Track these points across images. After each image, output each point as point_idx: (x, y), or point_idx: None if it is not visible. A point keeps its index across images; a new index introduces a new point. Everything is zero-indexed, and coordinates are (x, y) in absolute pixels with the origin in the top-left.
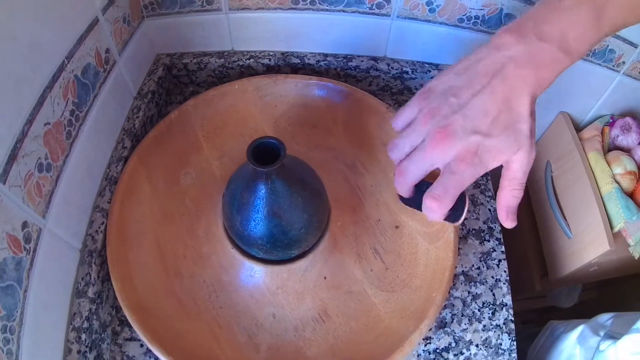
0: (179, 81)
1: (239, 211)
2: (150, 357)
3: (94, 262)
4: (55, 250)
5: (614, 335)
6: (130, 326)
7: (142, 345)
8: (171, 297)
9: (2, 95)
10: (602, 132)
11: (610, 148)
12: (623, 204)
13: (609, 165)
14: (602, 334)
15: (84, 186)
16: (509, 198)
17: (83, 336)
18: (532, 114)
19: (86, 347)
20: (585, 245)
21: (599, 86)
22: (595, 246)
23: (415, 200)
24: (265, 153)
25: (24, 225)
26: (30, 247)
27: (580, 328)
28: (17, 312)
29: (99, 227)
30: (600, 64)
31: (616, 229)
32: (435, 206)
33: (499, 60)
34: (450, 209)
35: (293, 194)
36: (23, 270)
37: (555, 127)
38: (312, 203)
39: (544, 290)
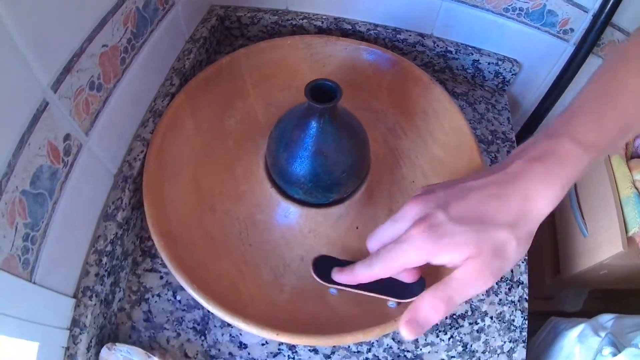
0: (230, 33)
1: (286, 148)
2: (168, 290)
3: (128, 188)
4: (91, 169)
5: (614, 340)
6: (152, 257)
7: (161, 278)
8: (201, 230)
9: (69, 9)
10: (627, 141)
11: (632, 156)
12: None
13: (630, 171)
14: (602, 334)
15: (128, 113)
16: (426, 307)
17: (104, 259)
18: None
19: (105, 271)
20: (600, 245)
21: None
22: (609, 246)
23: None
24: (320, 95)
25: (66, 137)
26: (68, 161)
27: (581, 327)
28: (42, 222)
29: (137, 155)
30: None
31: (630, 233)
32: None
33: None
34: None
35: (341, 137)
36: (57, 181)
37: None
38: (357, 150)
39: (554, 291)
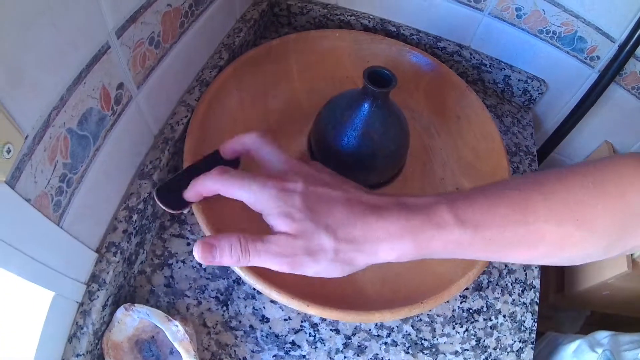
0: (277, 20)
1: (335, 126)
2: (193, 258)
3: (167, 150)
4: (135, 124)
5: (611, 357)
6: (180, 223)
7: (188, 244)
8: (235, 201)
9: None
10: None
11: None
12: None
13: None
14: (598, 350)
15: (178, 77)
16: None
17: (134, 217)
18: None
19: (134, 229)
20: (605, 264)
21: None
22: (615, 266)
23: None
24: (375, 81)
25: (120, 86)
26: (117, 110)
27: (578, 342)
28: (81, 167)
29: (181, 120)
30: None
31: (636, 256)
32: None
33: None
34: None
35: (389, 124)
36: (103, 128)
37: (598, 153)
38: (400, 138)
39: (555, 306)
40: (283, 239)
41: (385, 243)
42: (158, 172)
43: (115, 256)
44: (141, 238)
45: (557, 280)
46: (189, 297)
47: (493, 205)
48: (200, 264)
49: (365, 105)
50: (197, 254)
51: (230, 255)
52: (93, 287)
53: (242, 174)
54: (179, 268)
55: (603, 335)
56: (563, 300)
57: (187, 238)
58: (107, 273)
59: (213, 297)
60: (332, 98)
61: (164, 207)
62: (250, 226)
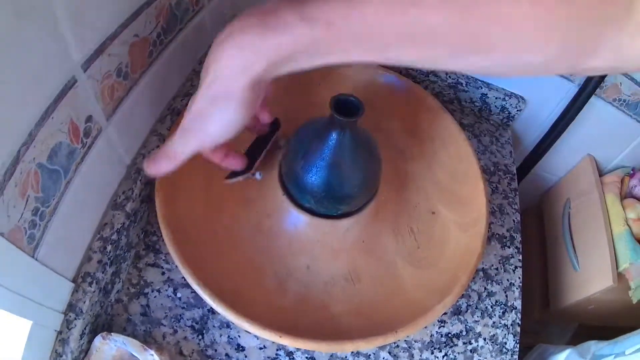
0: None
1: (304, 156)
2: (169, 287)
3: (140, 180)
4: (106, 156)
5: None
6: (155, 252)
7: (163, 274)
8: (209, 230)
9: None
10: (622, 181)
11: (626, 195)
12: (631, 246)
13: (623, 209)
14: (588, 358)
15: (148, 107)
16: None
17: (108, 248)
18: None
19: (108, 259)
20: (590, 279)
21: (627, 137)
22: (599, 281)
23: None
24: (343, 109)
25: (88, 119)
26: (86, 142)
27: (567, 352)
28: (53, 200)
29: (153, 149)
30: (631, 116)
31: (621, 269)
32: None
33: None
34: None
35: (358, 152)
36: (73, 161)
37: (580, 167)
38: (370, 166)
39: (542, 321)
40: None
41: (231, 60)
42: (131, 202)
43: (90, 286)
44: (116, 268)
45: (541, 296)
46: (165, 325)
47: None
48: (175, 293)
49: (333, 135)
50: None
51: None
52: (70, 316)
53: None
54: (155, 297)
55: (592, 343)
56: (548, 316)
57: (162, 267)
58: (84, 302)
59: (189, 326)
60: (300, 127)
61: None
62: (216, 255)
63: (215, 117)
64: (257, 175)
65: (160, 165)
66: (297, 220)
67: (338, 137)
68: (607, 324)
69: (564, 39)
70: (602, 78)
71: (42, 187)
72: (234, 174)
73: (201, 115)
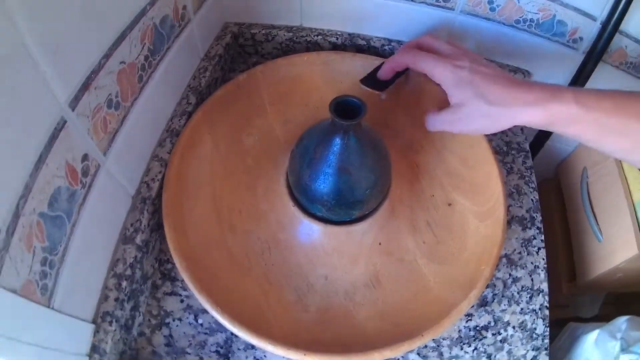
0: (244, 50)
1: (309, 165)
2: (189, 314)
3: (146, 210)
4: (109, 191)
5: (628, 343)
6: (172, 280)
7: (182, 301)
8: (223, 250)
9: (87, 24)
10: None
11: None
12: None
13: None
14: (618, 336)
15: (145, 133)
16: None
17: (124, 284)
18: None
19: (125, 295)
20: (615, 249)
21: None
22: (624, 250)
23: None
24: (344, 112)
25: (84, 157)
26: (86, 182)
27: (597, 331)
28: (60, 246)
29: (156, 176)
30: (639, 77)
31: None
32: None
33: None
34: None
35: (365, 154)
36: (75, 203)
37: None
38: (380, 166)
39: (569, 298)
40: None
41: (523, 107)
42: (140, 234)
43: (111, 325)
44: (135, 302)
45: (568, 270)
46: (190, 354)
47: (618, 101)
48: (196, 320)
49: (337, 140)
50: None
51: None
52: (95, 358)
53: (423, 52)
54: (177, 326)
55: (621, 321)
56: (576, 289)
57: (180, 295)
58: (106, 342)
59: (214, 352)
60: (304, 133)
61: (368, 89)
62: (233, 276)
63: (476, 126)
64: (382, 95)
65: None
66: (311, 230)
67: (342, 141)
68: (636, 290)
69: None
70: (608, 43)
71: (47, 236)
72: (369, 81)
73: (470, 118)
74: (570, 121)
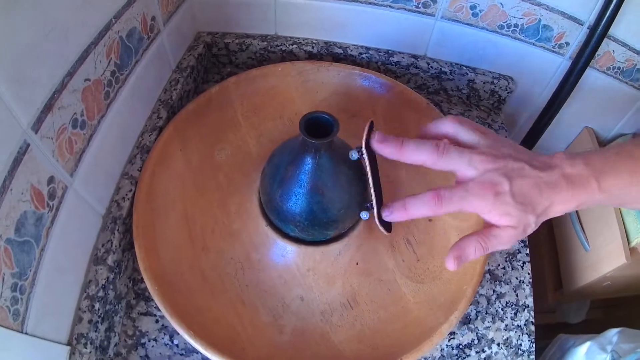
0: (217, 60)
1: (280, 185)
2: (164, 334)
3: (117, 230)
4: (78, 212)
5: (619, 355)
6: (146, 300)
7: (157, 321)
8: (195, 271)
9: (50, 43)
10: None
11: None
12: None
13: None
14: (609, 349)
15: (115, 151)
16: (472, 249)
17: (97, 305)
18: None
19: (99, 317)
20: (602, 258)
21: (624, 104)
22: (612, 259)
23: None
24: (315, 128)
25: (50, 180)
26: (53, 205)
27: (588, 344)
28: (30, 271)
29: (126, 195)
30: (627, 83)
31: (633, 244)
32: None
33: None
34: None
35: (338, 173)
36: (43, 227)
37: (580, 140)
38: (354, 184)
39: (556, 304)
40: (510, 232)
41: (559, 207)
42: (112, 255)
43: (86, 347)
44: (109, 323)
45: (553, 280)
46: None
47: (634, 182)
48: (171, 340)
49: (308, 159)
50: (454, 267)
51: (475, 254)
52: None
53: (453, 191)
54: (152, 347)
55: (612, 333)
56: (563, 298)
57: (155, 315)
58: None
59: None
60: (275, 151)
61: (385, 232)
62: (206, 297)
63: (524, 235)
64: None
65: (472, 256)
66: (284, 250)
67: (313, 160)
68: (622, 295)
69: None
70: (596, 48)
71: (15, 262)
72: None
73: (524, 233)
74: (592, 202)
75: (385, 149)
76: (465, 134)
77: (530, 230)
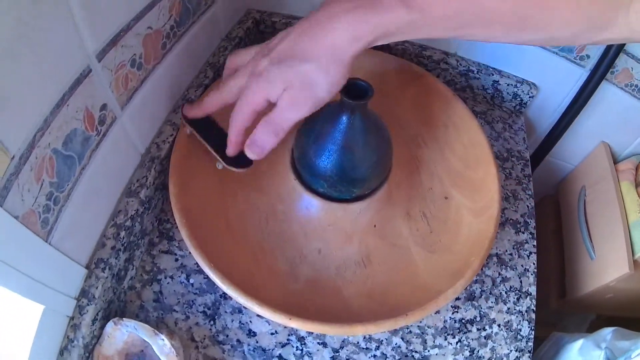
0: (263, 37)
1: (315, 141)
2: (182, 273)
3: (154, 168)
4: (120, 144)
5: (613, 353)
6: (169, 239)
7: (176, 260)
8: (222, 215)
9: None
10: (637, 168)
11: None
12: None
13: (639, 196)
14: (603, 346)
15: (162, 97)
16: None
17: (122, 234)
18: (334, 59)
19: (122, 245)
20: (606, 267)
21: None
22: (616, 268)
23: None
24: (353, 93)
25: (103, 107)
26: (101, 130)
27: (582, 341)
28: (68, 185)
29: (167, 138)
30: None
31: (637, 256)
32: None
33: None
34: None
35: (369, 134)
36: (88, 148)
37: (595, 154)
38: (382, 148)
39: (558, 312)
40: (285, 95)
41: (344, 34)
42: (145, 190)
43: (104, 272)
44: (130, 254)
45: (558, 286)
46: (177, 312)
47: None
48: (187, 279)
49: (344, 118)
50: (252, 155)
51: (269, 137)
52: (83, 302)
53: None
54: (168, 283)
55: (607, 332)
56: (565, 306)
57: (176, 254)
58: (96, 288)
59: (200, 312)
60: (312, 113)
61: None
62: (227, 241)
63: (324, 84)
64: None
65: (268, 142)
66: (310, 204)
67: (348, 120)
68: (626, 314)
69: (587, 18)
70: (612, 62)
71: (56, 172)
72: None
73: (310, 85)
74: (410, 28)
75: (192, 111)
76: (244, 56)
77: (319, 80)
